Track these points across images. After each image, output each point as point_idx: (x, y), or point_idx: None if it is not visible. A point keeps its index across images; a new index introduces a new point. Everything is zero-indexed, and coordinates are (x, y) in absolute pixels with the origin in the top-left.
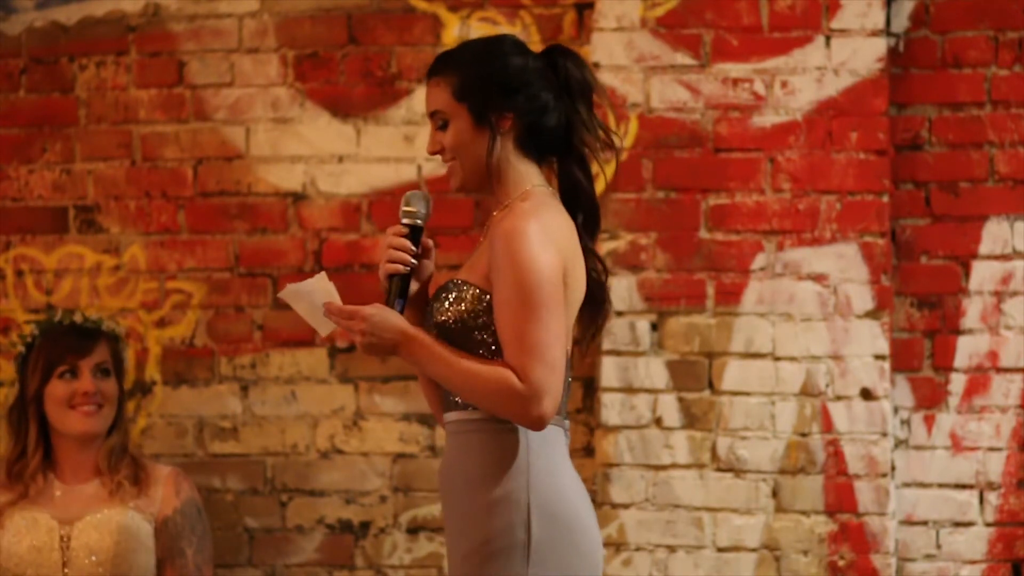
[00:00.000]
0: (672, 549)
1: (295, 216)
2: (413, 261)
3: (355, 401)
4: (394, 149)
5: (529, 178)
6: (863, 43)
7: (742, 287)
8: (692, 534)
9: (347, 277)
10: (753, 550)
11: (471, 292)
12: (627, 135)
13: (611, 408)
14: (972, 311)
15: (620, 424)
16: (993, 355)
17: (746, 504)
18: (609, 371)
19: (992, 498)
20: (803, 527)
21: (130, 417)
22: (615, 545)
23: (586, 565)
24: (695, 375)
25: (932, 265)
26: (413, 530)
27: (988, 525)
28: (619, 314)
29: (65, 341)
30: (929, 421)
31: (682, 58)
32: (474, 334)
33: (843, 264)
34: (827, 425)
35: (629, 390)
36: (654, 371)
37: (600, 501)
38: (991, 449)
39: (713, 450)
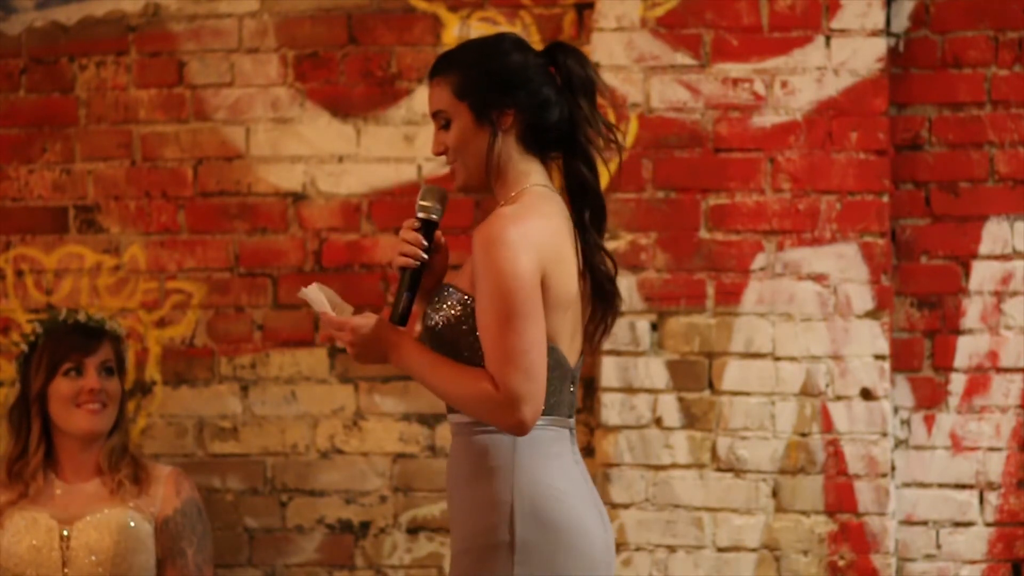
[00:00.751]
0: (672, 549)
1: (295, 216)
2: (424, 255)
3: (355, 401)
4: (394, 149)
5: (528, 177)
6: (863, 43)
7: (742, 287)
8: (692, 534)
9: (347, 277)
10: (753, 550)
11: (458, 297)
12: (627, 135)
13: (611, 408)
14: (972, 311)
15: (620, 424)
16: (993, 355)
17: (746, 504)
18: (609, 371)
19: (992, 498)
20: (803, 527)
21: (130, 417)
22: (615, 545)
23: (581, 565)
24: (695, 375)
25: (932, 265)
26: (413, 530)
27: (988, 525)
28: (619, 314)
29: (70, 339)
30: (929, 421)
31: (682, 58)
32: (463, 339)
33: (843, 264)
34: (827, 425)
35: (629, 390)
36: (654, 371)
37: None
38: (991, 449)
39: (713, 450)
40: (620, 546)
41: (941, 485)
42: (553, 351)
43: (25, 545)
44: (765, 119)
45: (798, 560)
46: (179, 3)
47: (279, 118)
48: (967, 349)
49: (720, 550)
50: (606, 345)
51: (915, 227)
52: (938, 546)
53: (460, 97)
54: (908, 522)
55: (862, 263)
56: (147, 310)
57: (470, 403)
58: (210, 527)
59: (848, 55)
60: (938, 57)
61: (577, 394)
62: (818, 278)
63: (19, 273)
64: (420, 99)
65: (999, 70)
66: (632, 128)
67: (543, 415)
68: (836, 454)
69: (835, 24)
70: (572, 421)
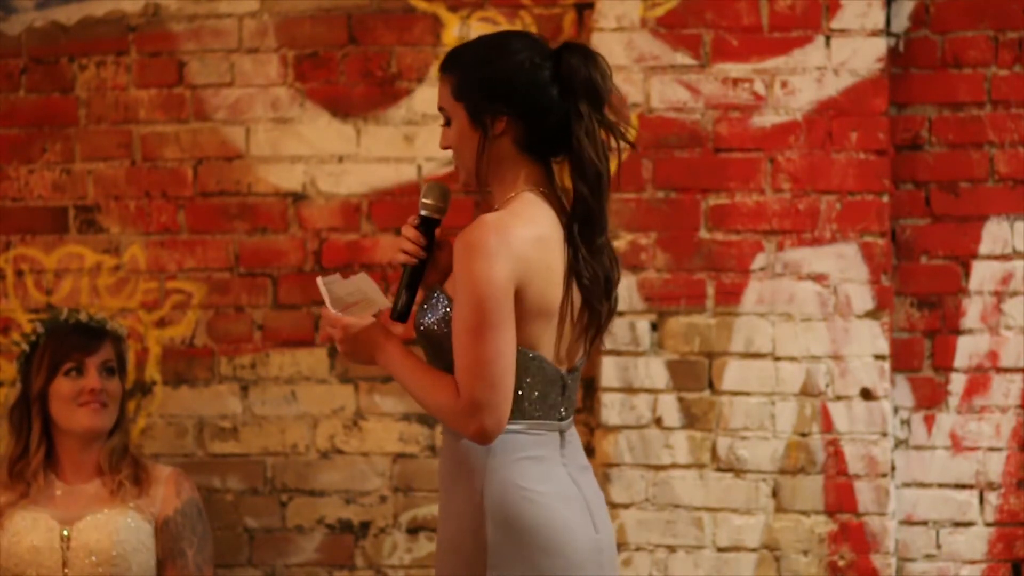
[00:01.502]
0: (672, 549)
1: (295, 216)
2: (423, 253)
3: (355, 401)
4: (394, 149)
5: (522, 182)
6: (863, 43)
7: (742, 287)
8: (692, 534)
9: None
10: (753, 550)
11: (444, 301)
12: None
13: (611, 408)
14: (972, 311)
15: (620, 424)
16: (993, 355)
17: (746, 504)
18: (609, 371)
19: (992, 498)
20: (803, 527)
21: (130, 417)
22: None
23: (559, 565)
24: (695, 375)
25: (932, 265)
26: (413, 530)
27: (988, 525)
28: (619, 314)
29: (71, 339)
30: (929, 421)
31: (682, 58)
32: (442, 343)
33: (843, 264)
34: (827, 425)
35: (629, 390)
36: (654, 371)
37: None
38: (991, 449)
39: (713, 450)
40: (620, 546)
41: (941, 485)
42: (534, 358)
43: (25, 545)
44: (765, 119)
45: (798, 560)
46: (179, 3)
47: (279, 118)
48: (967, 349)
49: (720, 550)
50: (606, 345)
51: (915, 227)
52: (938, 546)
53: (457, 98)
54: (908, 522)
55: (862, 263)
56: (147, 310)
57: (437, 411)
58: (210, 527)
59: (848, 55)
60: (938, 57)
61: (575, 396)
62: (818, 278)
63: (19, 273)
64: (420, 99)
65: (999, 70)
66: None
67: (519, 420)
68: (836, 454)
69: (835, 24)
70: (565, 424)
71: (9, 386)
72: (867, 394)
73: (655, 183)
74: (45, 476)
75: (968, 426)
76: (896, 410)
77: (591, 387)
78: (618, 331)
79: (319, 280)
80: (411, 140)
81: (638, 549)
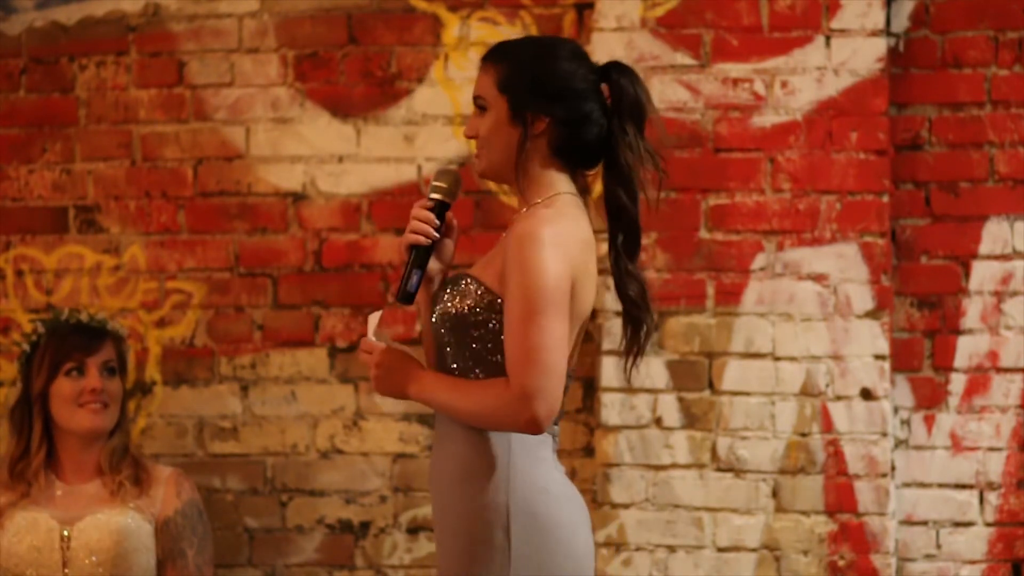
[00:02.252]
0: (672, 549)
1: (295, 216)
2: (435, 234)
3: (355, 401)
4: (394, 149)
5: (558, 184)
6: (863, 43)
7: (742, 287)
8: (692, 534)
9: (347, 277)
10: (753, 550)
11: (477, 288)
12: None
13: (611, 408)
14: (972, 311)
15: (620, 424)
16: (993, 355)
17: (746, 504)
18: (609, 371)
19: (992, 498)
20: (803, 527)
21: (130, 417)
22: (615, 545)
23: (571, 566)
24: (695, 375)
25: (932, 265)
26: (413, 530)
27: (988, 525)
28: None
29: (72, 339)
30: (929, 421)
31: (682, 58)
32: (470, 331)
33: (843, 264)
34: (827, 425)
35: (629, 390)
36: (654, 371)
37: (600, 501)
38: (991, 449)
39: (713, 450)
40: (620, 546)
41: (941, 485)
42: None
43: (25, 545)
44: (765, 119)
45: (798, 560)
46: (179, 3)
47: (279, 118)
48: (967, 349)
49: (720, 550)
50: (606, 345)
51: (915, 227)
52: (938, 546)
53: (502, 89)
54: (908, 522)
55: (862, 263)
56: (147, 310)
57: (484, 411)
58: (210, 528)
59: (848, 55)
60: (938, 57)
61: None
62: (818, 278)
63: (19, 273)
64: (420, 99)
65: (999, 70)
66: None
67: None
68: (836, 454)
69: (835, 24)
70: (557, 428)
71: (9, 386)
72: (867, 394)
73: (655, 183)
74: (46, 476)
75: (968, 426)
76: (896, 410)
77: (591, 387)
78: (618, 331)
79: (373, 315)
80: (411, 140)
81: (638, 549)
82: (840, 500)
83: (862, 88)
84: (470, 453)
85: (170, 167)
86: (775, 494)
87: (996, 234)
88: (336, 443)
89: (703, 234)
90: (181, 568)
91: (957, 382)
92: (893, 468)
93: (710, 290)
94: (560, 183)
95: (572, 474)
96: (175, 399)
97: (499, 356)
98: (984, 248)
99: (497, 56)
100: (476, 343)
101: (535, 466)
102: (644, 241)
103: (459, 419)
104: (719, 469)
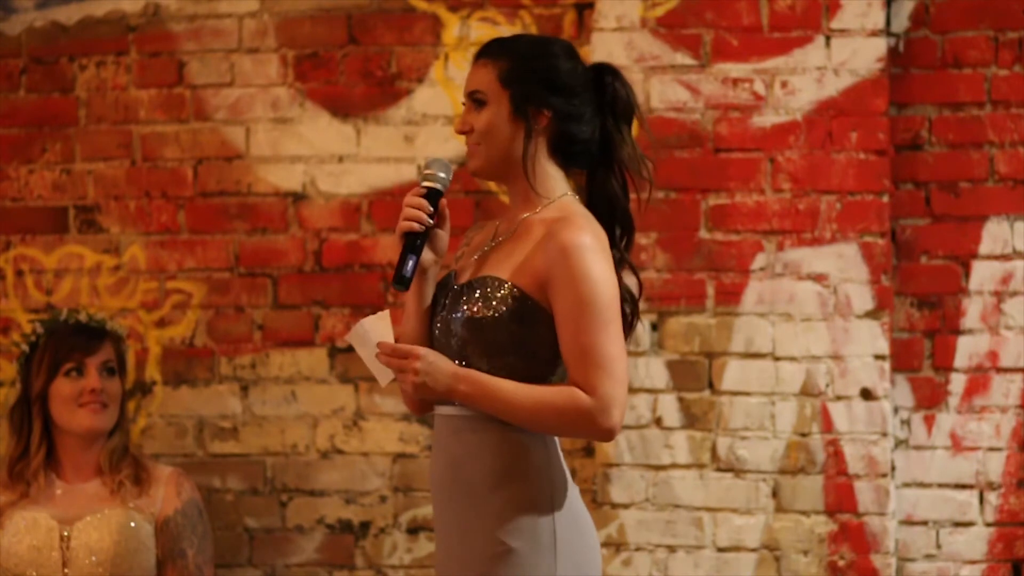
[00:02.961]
0: (672, 549)
1: (295, 216)
2: (429, 221)
3: (355, 401)
4: (394, 149)
5: (561, 184)
6: (863, 43)
7: (742, 287)
8: (692, 534)
9: (347, 277)
10: (753, 550)
11: (512, 292)
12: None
13: None
14: (972, 311)
15: None
16: (993, 355)
17: (746, 504)
18: None
19: (992, 498)
20: (803, 527)
21: (130, 417)
22: (615, 545)
23: (598, 562)
24: (695, 375)
25: (932, 265)
26: (413, 530)
27: (988, 525)
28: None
29: (72, 339)
30: (929, 421)
31: (682, 58)
32: (509, 335)
33: (843, 264)
34: (827, 425)
35: (629, 390)
36: (654, 371)
37: (600, 501)
38: (991, 449)
39: (713, 450)
40: (620, 546)
41: (941, 485)
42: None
43: (25, 545)
44: (765, 119)
45: (798, 560)
46: (179, 3)
47: (279, 118)
48: (967, 349)
49: (720, 550)
50: None
51: (915, 227)
52: (938, 546)
53: (505, 84)
54: (908, 522)
55: (862, 263)
56: (147, 310)
57: (559, 418)
58: (210, 528)
59: (848, 55)
60: (938, 57)
61: None
62: (818, 278)
63: (19, 273)
64: (420, 99)
65: (999, 70)
66: (632, 128)
67: None
68: (836, 454)
69: (835, 24)
70: None
71: (9, 386)
72: (867, 394)
73: (655, 183)
74: (45, 476)
75: (968, 426)
76: (896, 410)
77: None
78: None
79: (350, 335)
80: (411, 140)
81: (638, 549)
82: (840, 500)
83: (862, 88)
84: (511, 453)
85: (170, 167)
86: (775, 494)
87: (996, 234)
88: (336, 443)
89: (703, 234)
90: (181, 568)
91: (957, 382)
92: (893, 468)
93: (710, 290)
94: (562, 183)
95: (572, 474)
96: (175, 399)
97: (523, 359)
98: (984, 248)
99: (496, 51)
100: (495, 345)
101: (563, 465)
102: (644, 241)
103: (515, 420)
104: (719, 469)
